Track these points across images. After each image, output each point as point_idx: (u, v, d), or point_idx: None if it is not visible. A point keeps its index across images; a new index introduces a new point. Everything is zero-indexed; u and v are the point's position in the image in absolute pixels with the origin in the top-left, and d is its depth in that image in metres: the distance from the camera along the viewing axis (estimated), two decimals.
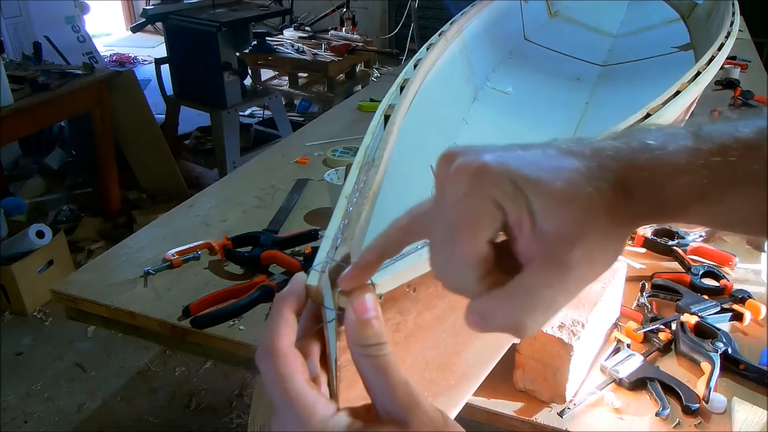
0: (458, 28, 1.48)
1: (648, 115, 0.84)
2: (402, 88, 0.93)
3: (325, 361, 0.40)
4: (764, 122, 0.35)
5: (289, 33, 4.41)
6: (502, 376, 0.87)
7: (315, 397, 0.36)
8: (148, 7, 3.80)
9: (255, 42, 3.85)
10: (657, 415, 0.84)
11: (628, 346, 0.96)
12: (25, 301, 2.50)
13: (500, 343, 0.64)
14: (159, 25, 4.81)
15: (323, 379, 0.40)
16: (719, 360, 0.90)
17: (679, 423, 0.84)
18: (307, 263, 1.15)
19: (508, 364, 0.86)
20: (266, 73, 4.52)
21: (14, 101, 2.50)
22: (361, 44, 4.26)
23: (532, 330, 0.34)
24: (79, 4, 3.96)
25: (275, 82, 4.45)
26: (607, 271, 0.35)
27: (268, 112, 4.06)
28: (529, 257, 0.34)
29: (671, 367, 0.94)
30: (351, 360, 0.37)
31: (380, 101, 0.85)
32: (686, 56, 1.88)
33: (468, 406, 0.84)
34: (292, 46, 4.12)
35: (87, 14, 4.23)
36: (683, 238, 1.24)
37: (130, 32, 4.80)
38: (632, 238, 1.25)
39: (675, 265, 1.18)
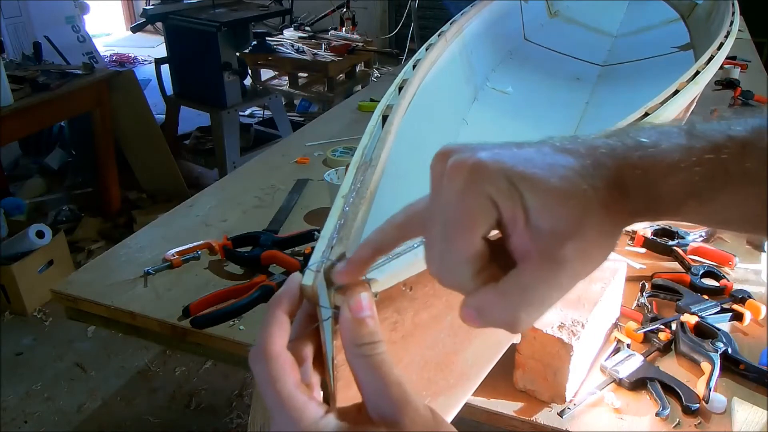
0: (458, 29, 1.48)
1: (646, 114, 0.84)
2: (400, 89, 0.93)
3: (320, 361, 0.40)
4: (758, 121, 0.35)
5: (289, 33, 4.41)
6: (502, 376, 0.87)
7: (305, 400, 0.37)
8: (148, 7, 3.80)
9: (255, 42, 3.85)
10: (657, 415, 0.84)
11: (628, 346, 0.95)
12: (25, 301, 2.50)
13: (499, 342, 0.64)
14: (159, 25, 4.81)
15: (316, 380, 0.40)
16: (719, 360, 0.90)
17: (679, 423, 0.84)
18: (307, 263, 1.15)
19: (508, 364, 0.86)
20: (266, 73, 4.52)
21: (14, 101, 2.50)
22: (361, 44, 4.26)
23: (525, 325, 0.35)
24: (79, 4, 3.97)
25: (275, 82, 4.45)
26: (599, 267, 0.36)
27: (268, 112, 4.06)
28: (523, 253, 0.35)
29: (671, 367, 0.94)
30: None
31: (380, 101, 0.85)
32: (686, 56, 1.88)
33: (468, 406, 0.84)
34: (292, 46, 4.12)
35: (87, 14, 4.23)
36: (683, 238, 1.24)
37: (130, 32, 4.80)
38: (632, 238, 1.25)
39: (675, 265, 1.18)
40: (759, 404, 0.86)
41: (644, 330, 0.98)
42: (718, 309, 1.04)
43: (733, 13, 1.65)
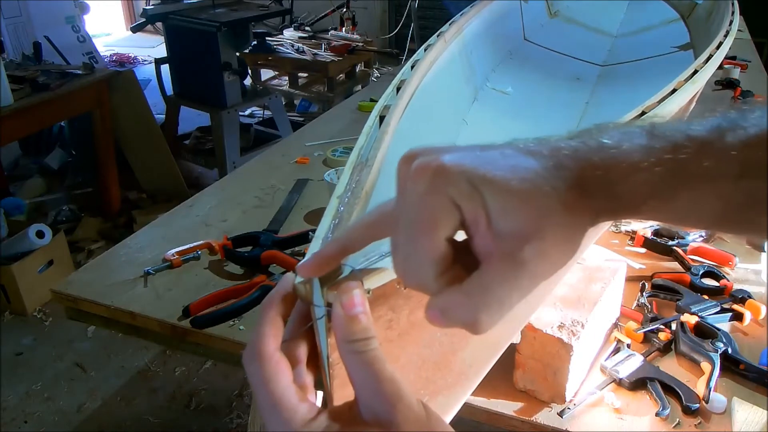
0: (457, 29, 1.48)
1: (643, 113, 0.84)
2: (398, 89, 0.93)
3: (315, 360, 0.40)
4: (717, 120, 0.36)
5: (289, 33, 4.41)
6: (502, 376, 0.87)
7: (297, 400, 0.37)
8: (148, 7, 3.80)
9: (255, 42, 3.85)
10: (657, 415, 0.84)
11: (628, 346, 0.95)
12: (25, 301, 2.50)
13: (498, 342, 0.64)
14: (159, 25, 4.81)
15: (310, 380, 0.40)
16: (719, 360, 0.90)
17: (679, 423, 0.84)
18: None
19: (508, 364, 0.86)
20: (266, 73, 4.52)
21: (14, 101, 2.50)
22: (361, 44, 4.26)
23: (487, 326, 0.35)
24: (79, 4, 3.96)
25: (275, 82, 4.45)
26: (562, 268, 0.36)
27: (268, 112, 4.06)
28: (486, 255, 0.35)
29: (671, 367, 0.93)
30: None
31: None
32: (686, 56, 1.88)
33: (468, 406, 0.84)
34: (292, 46, 4.12)
35: (87, 14, 4.23)
36: (683, 238, 1.24)
37: (130, 32, 4.80)
38: (632, 238, 1.25)
39: (675, 265, 1.18)
40: (759, 404, 0.86)
41: (644, 330, 0.98)
42: (718, 309, 1.04)
43: (733, 13, 1.65)
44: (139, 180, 3.37)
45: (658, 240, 1.23)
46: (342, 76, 4.27)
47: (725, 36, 1.42)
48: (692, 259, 1.19)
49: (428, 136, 1.12)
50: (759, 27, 3.25)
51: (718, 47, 1.31)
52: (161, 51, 3.99)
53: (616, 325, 1.01)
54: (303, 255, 1.20)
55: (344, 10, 4.48)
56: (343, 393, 0.39)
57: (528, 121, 1.62)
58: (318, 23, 4.80)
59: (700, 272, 1.14)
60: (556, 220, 0.34)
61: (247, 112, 4.38)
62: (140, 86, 3.21)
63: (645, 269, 1.16)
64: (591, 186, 0.35)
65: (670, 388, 0.88)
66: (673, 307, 1.06)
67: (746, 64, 2.39)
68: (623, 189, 0.35)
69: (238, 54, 3.33)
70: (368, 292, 0.40)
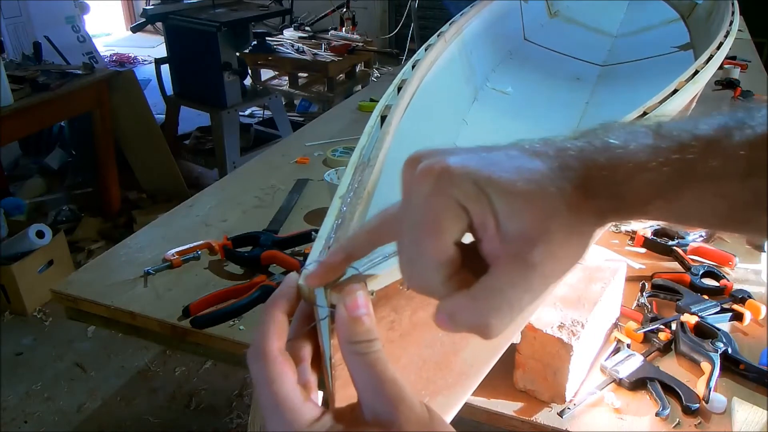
0: (457, 29, 1.48)
1: (645, 114, 0.84)
2: (399, 89, 0.93)
3: (318, 361, 0.40)
4: (723, 119, 0.36)
5: (289, 33, 4.41)
6: (502, 376, 0.87)
7: (301, 401, 0.37)
8: (148, 7, 3.80)
9: (255, 42, 3.85)
10: (657, 415, 0.84)
11: (628, 346, 0.95)
12: (25, 301, 2.50)
13: (498, 342, 0.64)
14: (159, 25, 4.81)
15: (314, 380, 0.40)
16: (719, 360, 0.90)
17: (679, 423, 0.84)
18: None
19: (508, 364, 0.86)
20: (266, 73, 4.52)
21: (14, 101, 2.50)
22: (361, 44, 4.26)
23: (497, 330, 0.35)
24: (79, 4, 3.96)
25: (275, 82, 4.45)
26: (570, 269, 0.36)
27: (268, 112, 4.06)
28: (494, 257, 0.35)
29: (671, 367, 0.93)
30: None
31: (379, 101, 0.85)
32: (686, 56, 1.88)
33: (468, 406, 0.84)
34: (292, 46, 4.12)
35: (87, 14, 4.23)
36: (683, 238, 1.24)
37: (130, 32, 4.80)
38: (632, 238, 1.25)
39: (675, 265, 1.18)
40: (759, 404, 0.86)
41: (644, 330, 0.98)
42: (718, 309, 1.04)
43: (733, 13, 1.65)
44: (139, 180, 3.37)
45: (658, 240, 1.23)
46: (342, 76, 4.27)
47: (725, 36, 1.42)
48: (692, 259, 1.19)
49: (429, 136, 1.12)
50: (759, 27, 3.25)
51: (718, 47, 1.31)
52: (161, 51, 3.99)
53: (616, 325, 1.01)
54: (303, 255, 1.20)
55: (344, 10, 4.48)
56: (345, 393, 0.39)
57: (528, 121, 1.62)
58: (318, 23, 4.80)
59: (700, 272, 1.14)
60: (562, 221, 0.34)
61: (247, 112, 4.38)
62: (140, 86, 3.21)
63: (645, 269, 1.16)
64: (597, 186, 0.35)
65: (670, 388, 0.88)
66: (673, 307, 1.06)
67: (746, 64, 2.39)
68: (629, 189, 0.35)
69: (238, 54, 3.33)
70: (372, 294, 0.40)
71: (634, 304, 1.07)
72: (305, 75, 4.32)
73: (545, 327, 0.82)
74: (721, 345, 0.93)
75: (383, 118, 0.77)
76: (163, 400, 2.12)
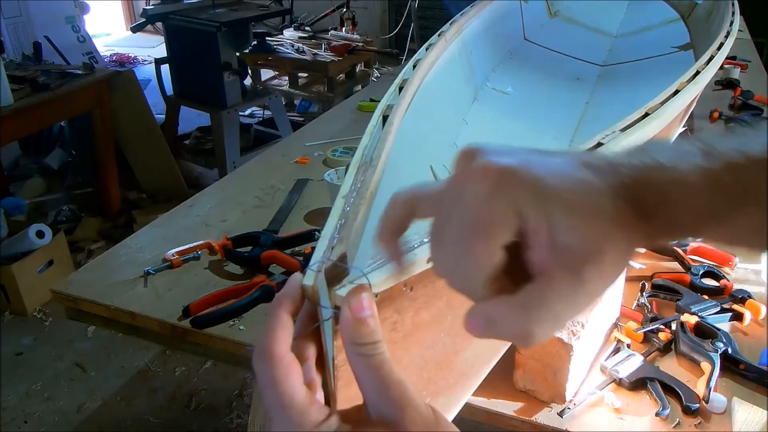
0: (458, 29, 1.48)
1: (646, 115, 0.84)
2: (401, 89, 0.93)
3: (322, 361, 0.40)
4: None
5: (289, 33, 4.41)
6: (502, 376, 0.87)
7: (308, 402, 0.37)
8: (148, 7, 3.80)
9: (255, 42, 3.85)
10: (657, 415, 0.84)
11: (628, 346, 0.95)
12: (25, 301, 2.50)
13: (499, 342, 0.64)
14: (159, 25, 4.81)
15: (319, 381, 0.40)
16: (719, 360, 0.90)
17: (679, 423, 0.84)
18: (307, 263, 1.15)
19: (508, 364, 0.86)
20: (266, 73, 4.52)
21: (14, 101, 2.50)
22: (361, 44, 4.26)
23: (538, 340, 0.34)
24: (79, 4, 3.96)
25: (275, 82, 4.45)
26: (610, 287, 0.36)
27: (268, 112, 4.06)
28: (541, 266, 0.34)
29: (671, 367, 0.93)
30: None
31: (380, 101, 0.85)
32: (686, 56, 1.88)
33: (468, 406, 0.84)
34: (292, 46, 4.12)
35: (87, 14, 4.23)
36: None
37: (130, 32, 4.80)
38: None
39: (675, 265, 1.18)
40: (759, 404, 0.86)
41: (644, 330, 0.98)
42: (718, 309, 1.04)
43: (733, 13, 1.65)
44: (139, 180, 3.37)
45: None
46: (342, 76, 4.27)
47: (726, 36, 1.42)
48: (692, 259, 1.19)
49: (429, 136, 1.12)
50: (759, 27, 3.25)
51: (719, 48, 1.31)
52: (161, 51, 3.99)
53: (616, 325, 1.01)
54: (303, 255, 1.20)
55: (344, 10, 4.48)
56: (348, 394, 0.39)
57: (528, 121, 1.62)
58: (318, 23, 4.80)
59: (700, 272, 1.14)
60: (615, 241, 0.34)
61: (247, 112, 4.38)
62: (140, 86, 3.21)
63: (645, 269, 1.16)
64: (649, 208, 0.35)
65: (670, 388, 0.88)
66: (673, 307, 1.06)
67: (746, 64, 2.39)
68: (680, 211, 0.35)
69: (238, 54, 3.33)
70: (376, 296, 0.40)
71: (634, 304, 1.07)
72: (305, 75, 4.32)
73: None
74: (721, 345, 0.93)
75: (385, 118, 0.77)
76: (163, 400, 2.12)
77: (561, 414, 0.85)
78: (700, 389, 0.87)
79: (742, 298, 1.06)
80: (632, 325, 1.00)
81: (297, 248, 1.23)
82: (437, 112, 1.24)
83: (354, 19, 4.51)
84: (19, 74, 2.68)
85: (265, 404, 0.37)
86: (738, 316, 1.03)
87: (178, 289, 1.13)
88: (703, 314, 1.02)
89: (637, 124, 0.80)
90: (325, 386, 0.40)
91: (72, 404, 2.11)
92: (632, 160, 0.36)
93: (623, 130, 0.77)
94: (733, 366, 0.92)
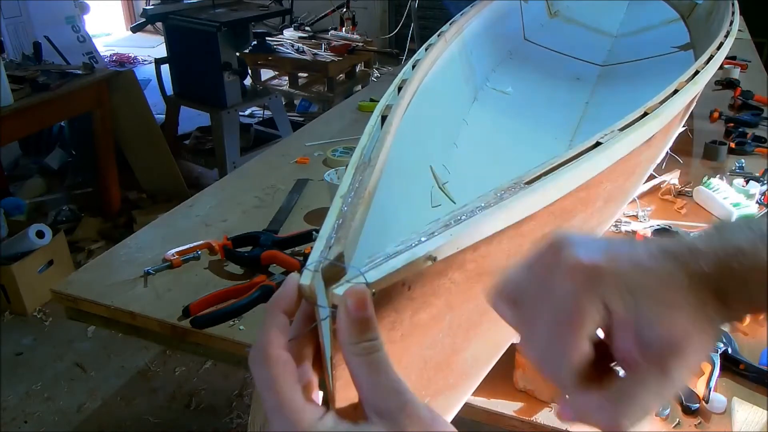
0: (458, 29, 1.48)
1: (645, 114, 0.84)
2: (400, 89, 0.93)
3: (320, 361, 0.40)
4: None
5: (289, 33, 4.41)
6: (502, 376, 0.87)
7: (304, 402, 0.37)
8: (148, 7, 3.80)
9: (255, 42, 3.85)
10: (657, 415, 0.84)
11: None
12: (25, 301, 2.50)
13: (499, 342, 0.64)
14: (159, 25, 4.81)
15: (315, 381, 0.40)
16: (719, 360, 0.90)
17: (679, 423, 0.84)
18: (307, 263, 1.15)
19: (508, 364, 0.86)
20: (266, 73, 4.52)
21: (14, 101, 2.50)
22: (361, 44, 4.26)
23: (627, 430, 0.36)
24: (79, 4, 3.96)
25: (275, 82, 4.45)
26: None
27: (268, 112, 4.06)
28: (628, 359, 0.36)
29: None
30: None
31: (380, 101, 0.85)
32: (686, 56, 1.88)
33: (468, 406, 0.84)
34: (292, 46, 4.12)
35: (87, 14, 4.23)
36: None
37: (130, 32, 4.80)
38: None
39: None
40: (759, 404, 0.86)
41: None
42: None
43: (733, 13, 1.65)
44: (139, 180, 3.37)
45: None
46: (342, 76, 4.27)
47: (726, 36, 1.42)
48: None
49: (428, 136, 1.12)
50: (759, 27, 3.25)
51: (718, 48, 1.31)
52: (161, 51, 3.99)
53: None
54: (303, 255, 1.20)
55: (344, 10, 4.48)
56: (346, 394, 0.39)
57: (528, 121, 1.62)
58: (318, 23, 4.80)
59: None
60: (698, 331, 0.35)
61: (247, 112, 4.38)
62: (140, 86, 3.21)
63: None
64: (732, 293, 0.36)
65: None
66: None
67: (746, 64, 2.40)
68: (760, 293, 0.36)
69: (238, 54, 3.33)
70: (374, 294, 0.40)
71: None
72: (305, 75, 4.32)
73: None
74: (721, 345, 0.93)
75: (384, 118, 0.77)
76: (163, 400, 2.12)
77: None
78: (700, 389, 0.87)
79: None
80: None
81: (297, 248, 1.23)
82: (437, 112, 1.23)
83: (354, 19, 4.51)
84: (19, 74, 2.68)
85: (263, 405, 0.37)
86: None
87: (178, 289, 1.13)
88: None
89: (636, 123, 0.80)
90: (323, 386, 0.40)
91: (72, 404, 2.11)
92: (712, 243, 0.37)
93: (622, 129, 0.77)
94: (733, 366, 0.92)
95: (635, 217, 1.33)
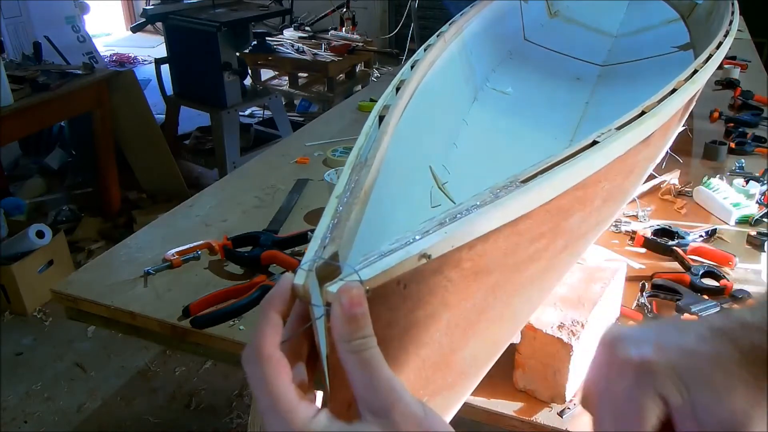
0: (457, 29, 1.47)
1: (643, 113, 0.84)
2: (398, 89, 0.92)
3: (315, 360, 0.40)
4: None
5: (289, 33, 4.41)
6: (502, 376, 0.87)
7: (297, 400, 0.37)
8: (148, 7, 3.80)
9: (255, 42, 3.85)
10: None
11: None
12: (25, 301, 2.50)
13: (498, 342, 0.64)
14: (159, 25, 4.81)
15: (310, 379, 0.40)
16: None
17: None
18: None
19: (508, 364, 0.86)
20: (266, 73, 4.52)
21: (14, 101, 2.50)
22: (361, 44, 4.26)
23: None
24: (79, 4, 3.97)
25: (275, 82, 4.45)
26: None
27: (268, 112, 4.06)
28: None
29: None
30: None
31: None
32: (686, 56, 1.88)
33: (468, 406, 0.84)
34: (292, 46, 4.12)
35: (87, 14, 4.23)
36: (683, 238, 1.24)
37: (130, 32, 4.80)
38: (632, 239, 1.25)
39: (675, 265, 1.18)
40: None
41: None
42: (718, 309, 1.04)
43: (733, 13, 1.65)
44: (139, 180, 3.37)
45: (658, 240, 1.23)
46: (342, 76, 4.27)
47: (725, 36, 1.42)
48: (692, 259, 1.19)
49: (428, 136, 1.12)
50: (759, 27, 3.25)
51: (718, 47, 1.31)
52: (161, 51, 3.99)
53: None
54: (303, 255, 1.20)
55: (344, 10, 4.48)
56: (343, 392, 0.39)
57: (528, 121, 1.62)
58: (318, 23, 4.80)
59: (700, 272, 1.14)
60: (759, 406, 0.36)
61: (247, 112, 4.38)
62: (140, 86, 3.21)
63: (645, 269, 1.16)
64: None
65: None
66: (673, 307, 1.06)
67: (746, 64, 2.40)
68: None
69: (238, 54, 3.33)
70: (367, 292, 0.40)
71: (634, 304, 1.07)
72: (305, 75, 4.32)
73: (545, 327, 0.82)
74: None
75: (381, 119, 0.77)
76: (163, 400, 2.12)
77: (561, 414, 0.85)
78: None
79: (742, 298, 1.06)
80: (632, 325, 1.00)
81: (297, 248, 1.23)
82: (436, 113, 1.23)
83: (354, 19, 4.51)
84: (19, 74, 2.68)
85: (258, 404, 0.37)
86: None
87: (178, 289, 1.13)
88: (704, 314, 1.01)
89: (633, 122, 0.80)
90: (320, 385, 0.40)
91: (72, 404, 2.11)
92: (760, 315, 0.38)
93: (619, 128, 0.77)
94: None
95: (635, 217, 1.33)
